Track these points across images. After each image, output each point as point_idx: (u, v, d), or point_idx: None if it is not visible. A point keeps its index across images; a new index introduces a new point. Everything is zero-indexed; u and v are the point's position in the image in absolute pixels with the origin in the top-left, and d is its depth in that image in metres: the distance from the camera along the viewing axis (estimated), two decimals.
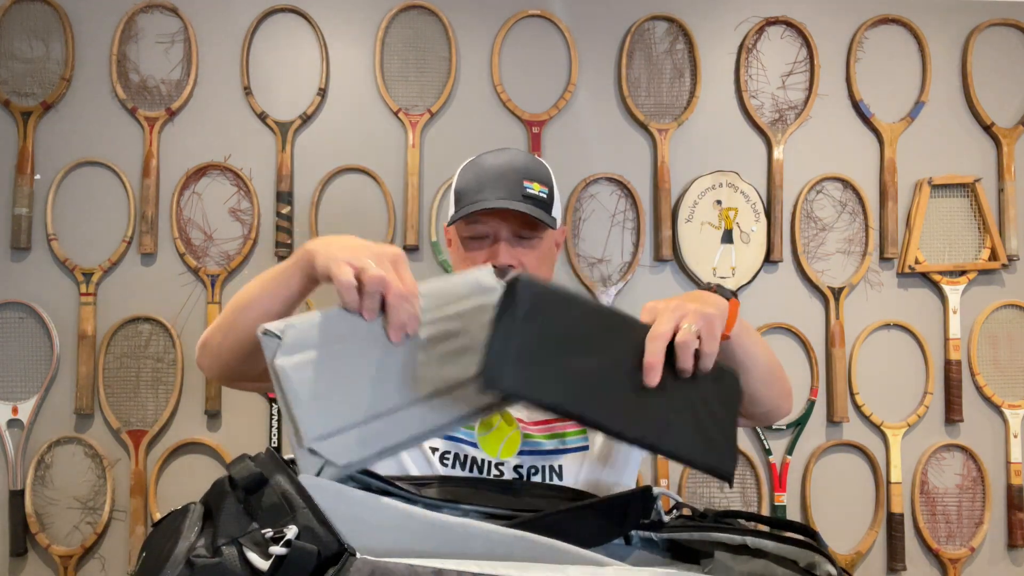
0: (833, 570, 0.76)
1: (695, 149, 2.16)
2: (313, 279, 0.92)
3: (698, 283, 2.11)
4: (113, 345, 2.01)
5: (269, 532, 0.66)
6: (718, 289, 0.98)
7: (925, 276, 2.17)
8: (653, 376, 0.80)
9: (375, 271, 0.79)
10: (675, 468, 2.08)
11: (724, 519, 0.92)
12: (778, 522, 0.90)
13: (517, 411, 1.12)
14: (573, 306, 0.81)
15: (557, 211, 1.26)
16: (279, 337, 0.76)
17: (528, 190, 1.18)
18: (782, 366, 1.14)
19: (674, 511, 0.97)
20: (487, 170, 1.21)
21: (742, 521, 0.92)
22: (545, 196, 1.20)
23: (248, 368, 1.05)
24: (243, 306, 0.99)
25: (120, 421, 1.99)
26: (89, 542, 1.96)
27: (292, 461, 0.91)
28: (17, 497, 1.95)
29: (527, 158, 1.26)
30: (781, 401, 1.13)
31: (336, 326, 0.80)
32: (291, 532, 0.65)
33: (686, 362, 0.81)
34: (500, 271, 0.98)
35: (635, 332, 0.83)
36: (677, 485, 2.08)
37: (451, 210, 1.25)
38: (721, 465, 0.86)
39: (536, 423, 1.13)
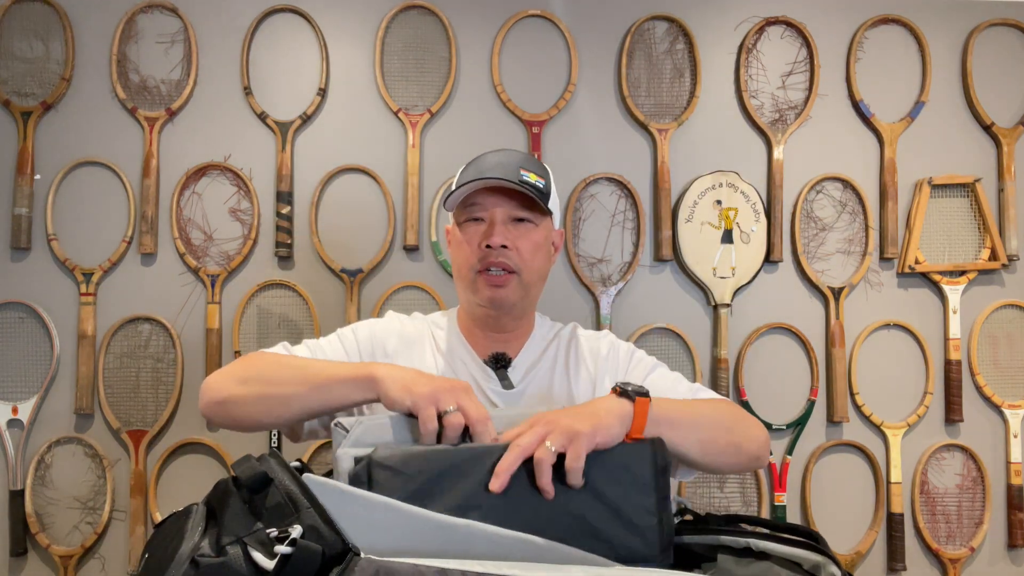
0: (838, 572, 0.76)
1: (695, 149, 2.16)
2: (372, 400, 1.00)
3: (698, 283, 2.11)
4: (113, 345, 2.01)
5: (274, 532, 0.67)
6: (622, 392, 0.95)
7: (925, 276, 2.17)
8: (496, 482, 0.81)
9: (456, 416, 0.89)
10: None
11: (728, 524, 0.93)
12: (781, 526, 0.90)
13: None
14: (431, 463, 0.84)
15: (555, 207, 1.28)
16: (347, 431, 0.88)
17: (525, 177, 1.20)
18: (741, 427, 1.10)
19: (676, 515, 0.97)
20: (486, 161, 1.24)
21: (745, 525, 0.93)
22: (542, 186, 1.22)
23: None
24: (285, 397, 1.04)
25: (120, 421, 1.99)
26: (89, 542, 1.96)
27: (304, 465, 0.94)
28: (17, 497, 1.95)
29: (527, 155, 1.28)
30: (744, 462, 1.10)
31: (398, 430, 0.92)
32: (296, 532, 0.66)
33: (540, 478, 0.83)
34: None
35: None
36: (676, 487, 2.08)
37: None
38: (642, 549, 0.86)
39: None
